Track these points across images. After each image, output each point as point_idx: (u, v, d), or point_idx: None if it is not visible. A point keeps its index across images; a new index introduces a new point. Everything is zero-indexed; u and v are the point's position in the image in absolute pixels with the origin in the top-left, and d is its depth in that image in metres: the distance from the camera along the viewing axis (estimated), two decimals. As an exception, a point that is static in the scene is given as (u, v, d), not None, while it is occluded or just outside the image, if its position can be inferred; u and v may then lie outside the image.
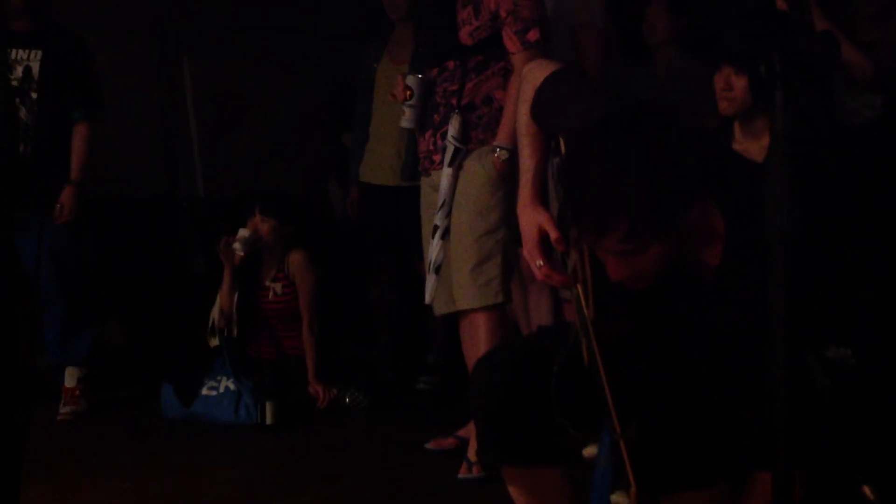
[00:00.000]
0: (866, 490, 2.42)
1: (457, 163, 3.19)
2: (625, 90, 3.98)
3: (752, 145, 2.78)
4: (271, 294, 4.40)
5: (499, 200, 3.15)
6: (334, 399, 4.24)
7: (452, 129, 3.18)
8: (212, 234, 4.49)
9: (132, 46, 5.07)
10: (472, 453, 3.17)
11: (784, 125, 1.33)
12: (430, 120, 3.30)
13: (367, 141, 4.64)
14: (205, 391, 4.02)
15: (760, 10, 2.88)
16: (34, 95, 3.93)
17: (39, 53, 3.95)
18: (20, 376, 1.62)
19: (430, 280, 3.24)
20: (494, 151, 3.13)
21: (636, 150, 1.61)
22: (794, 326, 1.31)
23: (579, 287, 1.82)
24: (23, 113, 3.91)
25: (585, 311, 1.79)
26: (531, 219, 1.93)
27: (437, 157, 3.25)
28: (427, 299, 3.30)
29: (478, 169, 3.16)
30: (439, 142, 3.24)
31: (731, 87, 2.86)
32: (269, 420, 3.89)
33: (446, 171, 3.19)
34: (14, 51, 3.92)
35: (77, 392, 4.06)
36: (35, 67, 3.94)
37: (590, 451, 2.75)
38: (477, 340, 3.19)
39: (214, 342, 4.23)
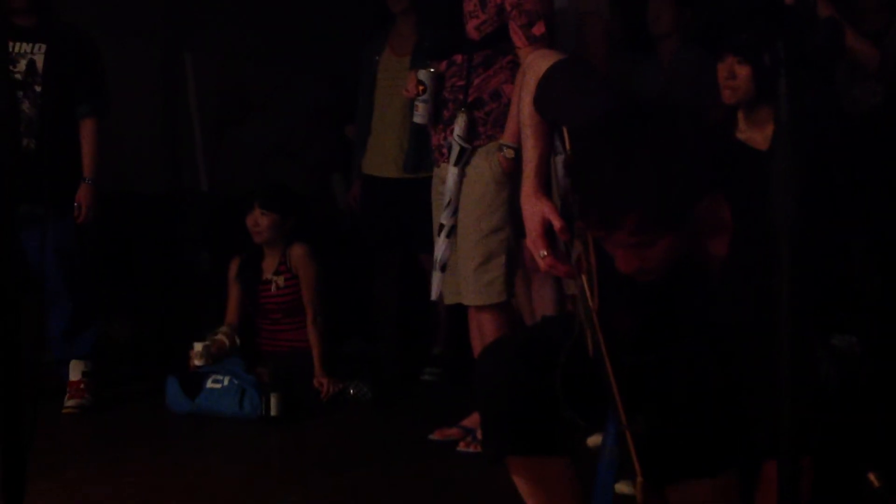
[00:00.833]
0: (871, 477, 2.43)
1: (462, 162, 3.19)
2: (629, 81, 3.98)
3: (755, 134, 2.78)
4: (274, 287, 4.40)
5: (503, 200, 3.16)
6: (339, 392, 4.25)
7: (458, 128, 3.18)
8: (215, 230, 4.46)
9: (135, 43, 5.06)
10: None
11: (788, 114, 1.32)
12: (439, 114, 3.31)
13: (370, 134, 4.65)
14: (209, 384, 4.03)
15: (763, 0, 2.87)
16: (38, 89, 3.92)
17: (44, 47, 3.93)
18: (26, 371, 1.62)
19: (437, 277, 3.25)
20: (501, 150, 3.13)
21: (645, 143, 1.61)
22: (799, 315, 1.31)
23: (584, 277, 1.81)
24: (26, 106, 3.90)
25: (590, 301, 1.78)
26: (535, 209, 1.92)
27: (446, 151, 3.26)
28: (433, 296, 3.31)
29: (484, 167, 3.17)
30: (449, 136, 3.24)
31: (735, 76, 2.86)
32: (273, 412, 3.89)
33: (452, 171, 3.19)
34: (18, 44, 3.90)
35: (82, 385, 4.06)
36: (39, 61, 3.92)
37: (594, 440, 2.76)
38: (483, 334, 3.24)
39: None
